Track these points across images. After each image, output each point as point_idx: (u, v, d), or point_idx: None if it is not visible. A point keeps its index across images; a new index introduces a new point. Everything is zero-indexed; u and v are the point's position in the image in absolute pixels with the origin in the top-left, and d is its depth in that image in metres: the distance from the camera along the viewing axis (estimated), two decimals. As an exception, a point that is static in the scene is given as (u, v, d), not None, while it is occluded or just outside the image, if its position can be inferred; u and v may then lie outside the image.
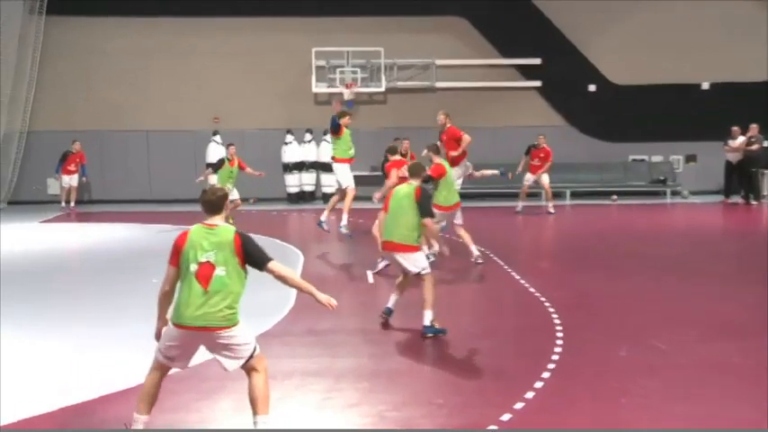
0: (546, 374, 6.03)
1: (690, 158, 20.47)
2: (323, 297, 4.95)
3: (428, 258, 8.98)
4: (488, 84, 19.89)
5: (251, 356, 4.79)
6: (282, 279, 4.85)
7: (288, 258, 10.93)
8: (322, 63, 19.30)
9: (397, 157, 11.32)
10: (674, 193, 19.92)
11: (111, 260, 11.99)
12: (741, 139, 18.26)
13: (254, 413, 4.79)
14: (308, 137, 19.34)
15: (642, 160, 20.42)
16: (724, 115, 18.40)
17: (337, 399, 5.70)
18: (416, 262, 7.29)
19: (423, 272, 7.25)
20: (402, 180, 9.78)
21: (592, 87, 20.10)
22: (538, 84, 20.00)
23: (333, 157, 12.23)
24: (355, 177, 12.25)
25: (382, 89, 19.51)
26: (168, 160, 19.24)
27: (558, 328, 7.39)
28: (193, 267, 4.68)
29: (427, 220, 7.30)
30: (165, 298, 4.77)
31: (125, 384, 5.77)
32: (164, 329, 4.79)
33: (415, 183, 7.51)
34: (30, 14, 18.68)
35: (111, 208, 18.27)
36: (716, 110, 19.17)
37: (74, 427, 5.17)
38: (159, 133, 19.46)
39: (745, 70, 19.58)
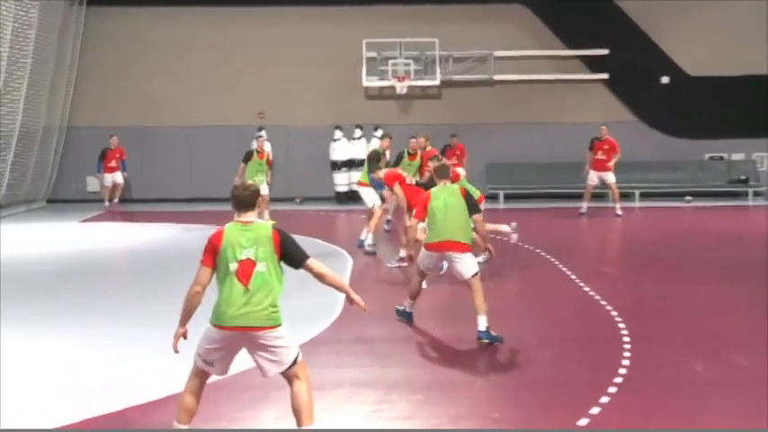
0: (612, 389, 5.93)
1: (774, 156, 19.91)
2: (357, 297, 5.01)
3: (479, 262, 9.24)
4: (550, 76, 19.68)
5: (294, 363, 4.84)
6: (321, 277, 4.91)
7: (336, 261, 11.01)
8: (373, 55, 19.37)
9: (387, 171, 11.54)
10: (757, 194, 19.39)
11: (152, 261, 12.25)
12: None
13: (298, 423, 4.83)
14: (357, 133, 19.41)
15: (720, 158, 19.93)
16: (812, 109, 17.85)
17: (388, 411, 5.71)
18: (470, 264, 7.48)
19: (474, 276, 7.39)
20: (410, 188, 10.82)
21: (665, 79, 19.71)
22: (604, 76, 19.71)
23: (359, 182, 13.29)
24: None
25: (437, 82, 19.48)
26: (211, 157, 19.51)
27: (626, 338, 7.27)
28: (233, 266, 4.74)
29: (477, 217, 7.71)
30: (194, 299, 4.78)
31: (165, 392, 5.89)
32: (204, 332, 4.84)
33: (448, 183, 7.88)
34: (70, 5, 19.21)
35: (152, 207, 18.63)
36: (804, 103, 18.61)
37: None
38: (201, 129, 19.79)
39: (836, 60, 18.95)
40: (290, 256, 4.85)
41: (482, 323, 7.21)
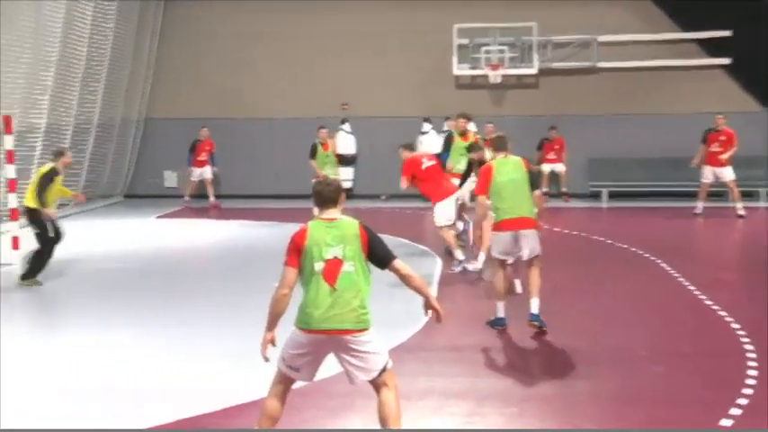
0: (735, 411, 5.74)
1: None
2: (437, 305, 5.00)
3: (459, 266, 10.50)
4: (662, 62, 19.12)
5: (383, 370, 4.86)
6: (407, 279, 4.94)
7: (423, 263, 11.03)
8: (464, 41, 19.28)
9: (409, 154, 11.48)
10: None
11: (230, 260, 12.54)
12: None
13: None
14: (446, 125, 19.34)
15: None
16: None
17: (480, 424, 5.70)
18: (538, 242, 7.82)
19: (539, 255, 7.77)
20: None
21: (796, 64, 18.85)
22: (726, 61, 18.99)
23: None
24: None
25: (534, 71, 19.22)
26: (294, 151, 19.73)
27: (750, 354, 7.03)
28: (319, 266, 4.79)
29: (539, 193, 8.00)
30: (282, 302, 4.81)
31: (247, 397, 6.01)
32: (289, 336, 4.91)
33: (509, 155, 8.04)
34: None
35: (234, 203, 18.93)
36: None
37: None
38: (283, 121, 20.11)
39: None
40: (377, 255, 4.88)
41: (536, 305, 7.67)
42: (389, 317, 8.13)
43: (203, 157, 18.71)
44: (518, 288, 8.97)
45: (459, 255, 10.83)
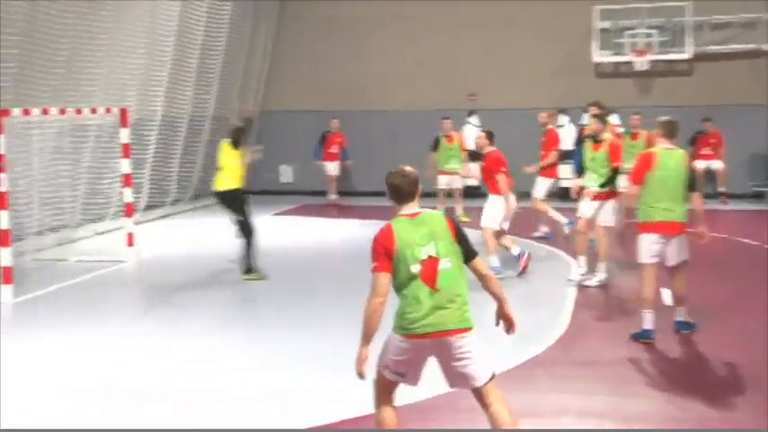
0: None
1: None
2: (512, 314, 4.97)
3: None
4: (840, 44, 18.05)
5: (491, 378, 4.81)
6: (486, 279, 4.93)
7: (555, 267, 10.89)
8: (606, 25, 18.83)
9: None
10: None
11: (346, 262, 12.59)
12: None
13: None
14: (586, 118, 18.88)
15: None
16: None
17: (623, 449, 5.47)
18: (687, 246, 7.69)
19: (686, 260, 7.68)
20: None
21: None
22: None
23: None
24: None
25: (687, 56, 18.58)
26: (414, 146, 19.72)
27: None
28: (416, 268, 4.74)
29: (698, 195, 7.67)
30: (378, 312, 4.70)
31: (350, 412, 5.95)
32: (387, 342, 4.84)
33: (677, 148, 7.72)
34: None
35: (350, 201, 19.09)
36: None
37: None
38: (404, 114, 20.13)
39: None
40: (464, 248, 4.87)
41: (683, 314, 7.80)
42: (521, 328, 7.93)
43: (334, 149, 18.59)
44: (667, 299, 8.59)
45: (493, 261, 10.20)
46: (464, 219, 15.62)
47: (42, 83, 13.01)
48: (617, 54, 18.81)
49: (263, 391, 6.65)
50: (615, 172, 9.96)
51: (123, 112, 12.61)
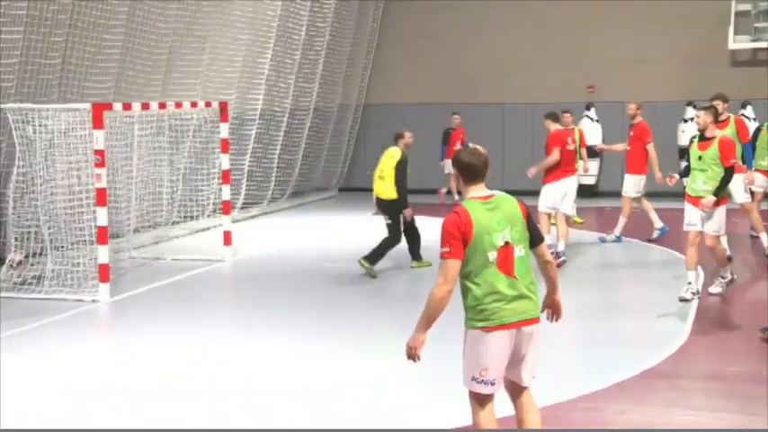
0: None
1: None
2: (560, 301, 5.15)
3: None
4: None
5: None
6: (548, 266, 5.08)
7: (673, 271, 10.74)
8: (746, 7, 18.36)
9: (558, 127, 12.73)
10: None
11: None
12: None
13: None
14: (689, 111, 18.51)
15: None
16: None
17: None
18: None
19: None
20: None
21: None
22: None
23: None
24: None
25: (835, 41, 17.95)
26: (528, 142, 19.68)
27: None
28: (493, 255, 4.83)
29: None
30: (445, 300, 4.79)
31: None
32: (467, 350, 4.91)
33: None
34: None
35: (453, 200, 19.14)
36: None
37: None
38: (516, 107, 20.08)
39: None
40: (533, 233, 5.00)
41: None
42: (635, 336, 7.94)
43: (458, 147, 18.64)
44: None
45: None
46: (578, 220, 15.50)
47: (143, 77, 13.62)
48: (756, 40, 18.38)
49: (390, 405, 6.84)
50: (729, 172, 9.27)
51: (224, 106, 13.00)
